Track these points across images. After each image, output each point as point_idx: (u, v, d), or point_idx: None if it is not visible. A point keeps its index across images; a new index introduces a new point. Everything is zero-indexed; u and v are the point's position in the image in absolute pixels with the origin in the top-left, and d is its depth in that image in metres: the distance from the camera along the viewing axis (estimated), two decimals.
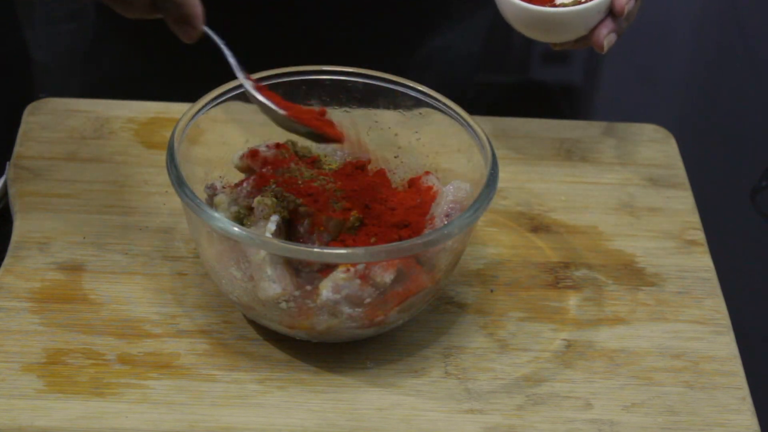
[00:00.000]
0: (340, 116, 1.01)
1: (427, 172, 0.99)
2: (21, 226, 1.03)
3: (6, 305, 0.96)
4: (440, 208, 0.95)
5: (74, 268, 1.00)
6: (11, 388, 0.90)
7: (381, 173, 1.00)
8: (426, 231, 0.93)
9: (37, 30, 1.32)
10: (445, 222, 0.93)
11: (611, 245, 1.06)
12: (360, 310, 0.90)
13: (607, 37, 0.99)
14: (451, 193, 0.95)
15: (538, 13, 0.98)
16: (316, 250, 0.88)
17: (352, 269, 0.88)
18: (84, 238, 1.02)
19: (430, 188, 0.97)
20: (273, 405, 0.91)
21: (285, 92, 0.99)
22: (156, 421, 0.89)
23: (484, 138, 0.96)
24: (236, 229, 0.87)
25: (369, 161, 1.00)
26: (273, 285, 0.88)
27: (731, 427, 0.92)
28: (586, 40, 1.00)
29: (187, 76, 1.14)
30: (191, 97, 0.98)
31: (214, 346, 0.94)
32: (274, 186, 0.93)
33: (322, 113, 0.96)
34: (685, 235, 1.08)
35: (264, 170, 0.96)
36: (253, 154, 0.97)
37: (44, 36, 1.32)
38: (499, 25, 1.10)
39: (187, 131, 0.95)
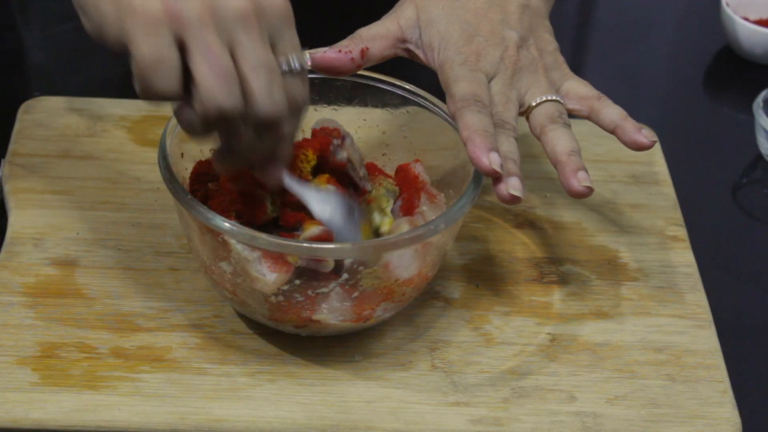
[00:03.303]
0: (328, 115, 1.02)
1: (417, 160, 1.00)
2: (15, 223, 1.04)
3: (1, 300, 0.97)
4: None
5: (68, 264, 1.01)
6: (6, 381, 0.91)
7: (371, 167, 1.01)
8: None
9: (32, 29, 1.32)
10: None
11: (595, 241, 1.07)
12: (348, 304, 0.91)
13: None
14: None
15: None
16: (304, 245, 0.89)
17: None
18: (78, 234, 1.03)
19: (416, 177, 0.99)
20: (263, 398, 0.92)
21: None
22: (148, 413, 0.90)
23: None
24: (226, 224, 0.88)
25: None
26: (267, 275, 0.89)
27: (712, 419, 0.93)
28: None
29: None
30: None
31: (205, 339, 0.95)
32: None
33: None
34: (667, 231, 1.09)
35: None
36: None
37: (39, 35, 1.33)
38: None
39: (178, 129, 0.95)
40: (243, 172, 0.92)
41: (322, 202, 0.92)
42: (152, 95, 0.81)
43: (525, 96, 0.96)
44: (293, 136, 0.88)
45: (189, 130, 0.83)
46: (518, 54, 0.96)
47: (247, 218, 0.92)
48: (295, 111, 0.85)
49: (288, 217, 0.92)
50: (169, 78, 0.79)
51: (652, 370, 0.96)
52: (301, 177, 0.94)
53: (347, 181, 0.97)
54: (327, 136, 0.96)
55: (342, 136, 0.97)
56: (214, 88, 0.79)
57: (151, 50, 0.79)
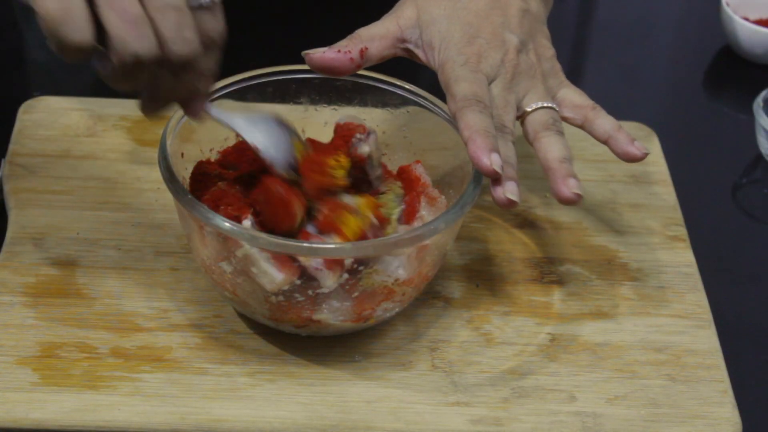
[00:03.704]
0: (328, 115, 1.02)
1: (418, 161, 1.01)
2: (16, 222, 1.04)
3: (1, 300, 0.97)
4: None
5: (68, 264, 1.01)
6: (6, 381, 0.91)
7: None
8: (414, 225, 0.95)
9: (32, 29, 1.32)
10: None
11: (595, 241, 1.07)
12: (348, 304, 0.91)
13: None
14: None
15: None
16: (304, 245, 0.89)
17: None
18: (78, 233, 1.03)
19: (418, 178, 0.99)
20: (263, 398, 0.92)
21: (275, 90, 1.00)
22: (148, 413, 0.90)
23: None
24: (227, 224, 0.88)
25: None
26: (274, 273, 0.90)
27: (712, 419, 0.93)
28: None
29: None
30: None
31: (206, 339, 0.96)
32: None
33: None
34: (667, 231, 1.09)
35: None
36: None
37: (40, 35, 1.33)
38: None
39: (178, 129, 0.96)
40: (278, 182, 0.93)
41: (253, 129, 0.93)
42: (67, 49, 0.80)
43: (522, 101, 0.97)
44: (213, 71, 0.87)
45: (109, 80, 0.83)
46: (518, 58, 0.97)
47: (262, 219, 0.92)
48: (211, 46, 0.84)
49: (327, 221, 0.92)
50: (79, 30, 0.78)
51: (652, 370, 0.96)
52: (335, 185, 0.94)
53: (362, 176, 0.97)
54: (350, 130, 0.97)
55: (367, 131, 0.97)
56: (125, 35, 0.79)
57: (55, 4, 0.78)
